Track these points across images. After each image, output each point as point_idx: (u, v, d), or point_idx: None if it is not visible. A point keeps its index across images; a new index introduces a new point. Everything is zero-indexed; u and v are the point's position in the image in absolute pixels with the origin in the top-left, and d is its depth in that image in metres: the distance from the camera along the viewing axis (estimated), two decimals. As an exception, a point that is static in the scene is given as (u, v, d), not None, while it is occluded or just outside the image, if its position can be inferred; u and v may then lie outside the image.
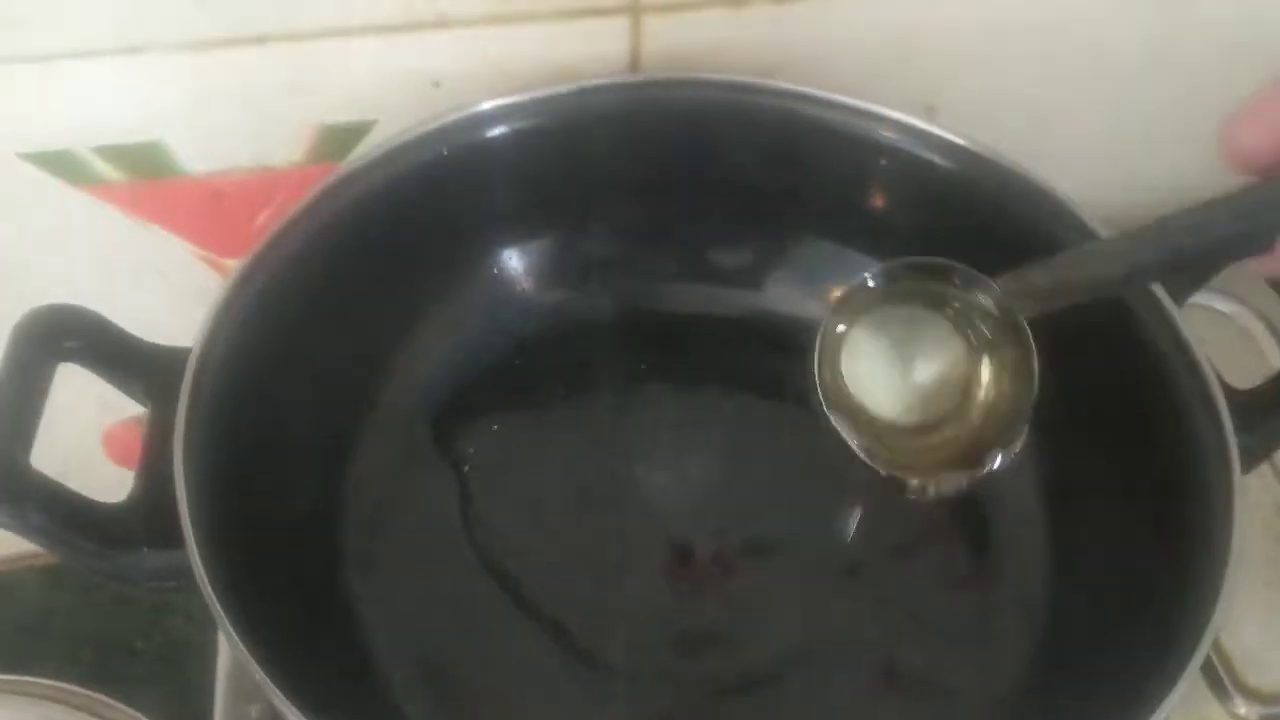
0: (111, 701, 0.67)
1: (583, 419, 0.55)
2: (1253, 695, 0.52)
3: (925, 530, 0.53)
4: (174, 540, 0.40)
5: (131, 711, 0.66)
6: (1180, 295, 0.48)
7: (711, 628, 0.50)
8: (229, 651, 0.52)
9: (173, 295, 0.58)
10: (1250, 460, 0.45)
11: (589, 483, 0.54)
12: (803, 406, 0.55)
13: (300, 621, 0.44)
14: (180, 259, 0.58)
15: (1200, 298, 0.57)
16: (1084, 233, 0.49)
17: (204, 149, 0.55)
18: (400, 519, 0.51)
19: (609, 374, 0.56)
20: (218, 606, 0.38)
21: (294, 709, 0.37)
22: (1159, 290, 0.47)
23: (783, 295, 0.58)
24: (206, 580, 0.38)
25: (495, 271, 0.56)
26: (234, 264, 0.48)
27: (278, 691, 0.37)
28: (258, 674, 0.37)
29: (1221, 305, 0.63)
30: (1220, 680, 0.52)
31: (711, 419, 0.56)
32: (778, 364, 0.58)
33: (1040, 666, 0.48)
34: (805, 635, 0.50)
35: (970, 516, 0.53)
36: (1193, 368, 0.46)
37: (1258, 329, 0.63)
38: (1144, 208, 0.46)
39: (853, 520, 0.53)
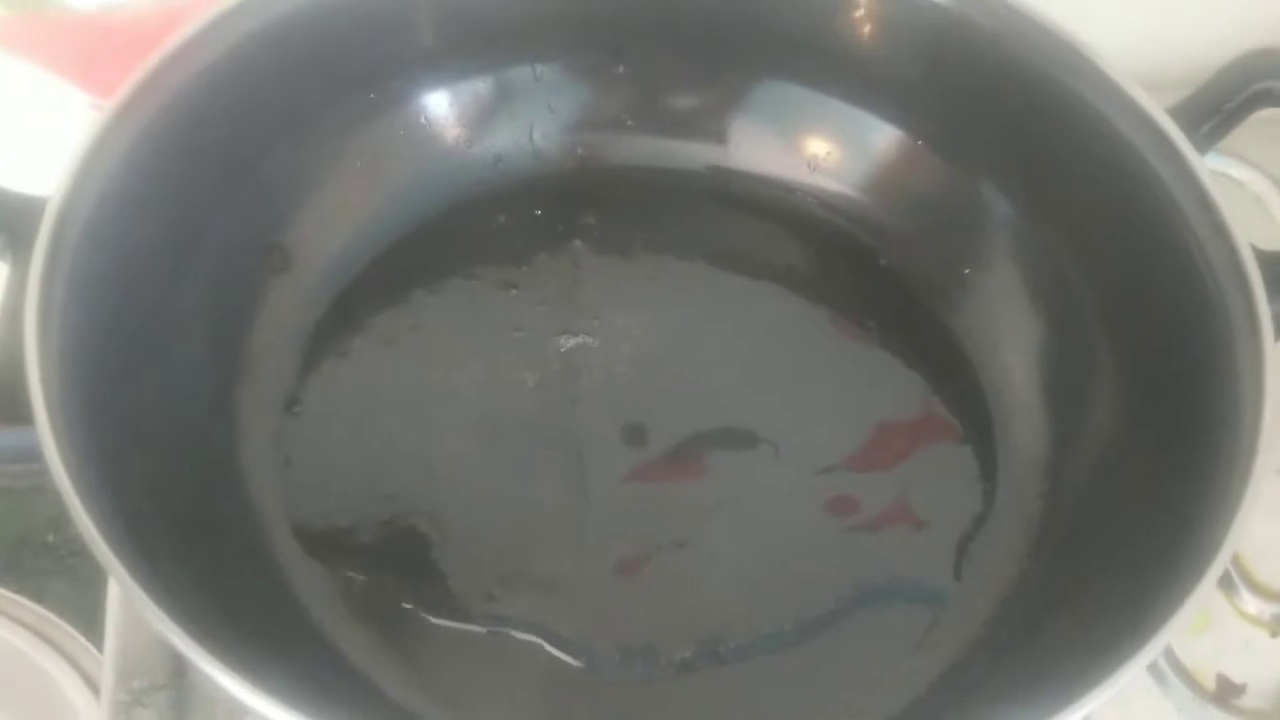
0: (17, 598, 0.62)
1: (522, 289, 0.49)
2: (1262, 591, 0.48)
3: (918, 422, 0.48)
4: (26, 414, 0.34)
5: (39, 609, 0.62)
6: (1204, 144, 0.43)
7: (668, 529, 0.44)
8: None
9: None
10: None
11: (527, 362, 0.48)
12: (767, 276, 0.50)
13: (182, 514, 0.38)
14: (68, 105, 0.51)
15: (1214, 163, 0.52)
16: (1103, 85, 0.44)
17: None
18: (309, 398, 0.46)
19: (552, 238, 0.50)
20: (71, 493, 0.32)
21: (165, 619, 0.31)
22: (1184, 145, 0.42)
23: (747, 147, 0.51)
24: (57, 458, 0.33)
25: (421, 119, 0.49)
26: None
27: (144, 596, 0.31)
28: (113, 568, 0.31)
29: (1236, 172, 0.58)
30: (1228, 575, 0.48)
31: (668, 291, 0.50)
32: (741, 227, 0.52)
33: (1044, 568, 0.44)
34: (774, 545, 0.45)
35: (969, 403, 0.48)
36: (1219, 229, 0.41)
37: (1273, 197, 0.58)
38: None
39: (830, 410, 0.48)
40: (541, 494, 0.45)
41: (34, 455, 0.34)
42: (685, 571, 0.44)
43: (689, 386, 0.48)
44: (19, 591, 0.62)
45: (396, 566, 0.43)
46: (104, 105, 0.41)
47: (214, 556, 0.38)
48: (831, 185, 0.51)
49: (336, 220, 0.48)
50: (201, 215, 0.43)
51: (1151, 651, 0.34)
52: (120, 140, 0.40)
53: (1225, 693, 0.46)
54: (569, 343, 0.48)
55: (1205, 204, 0.41)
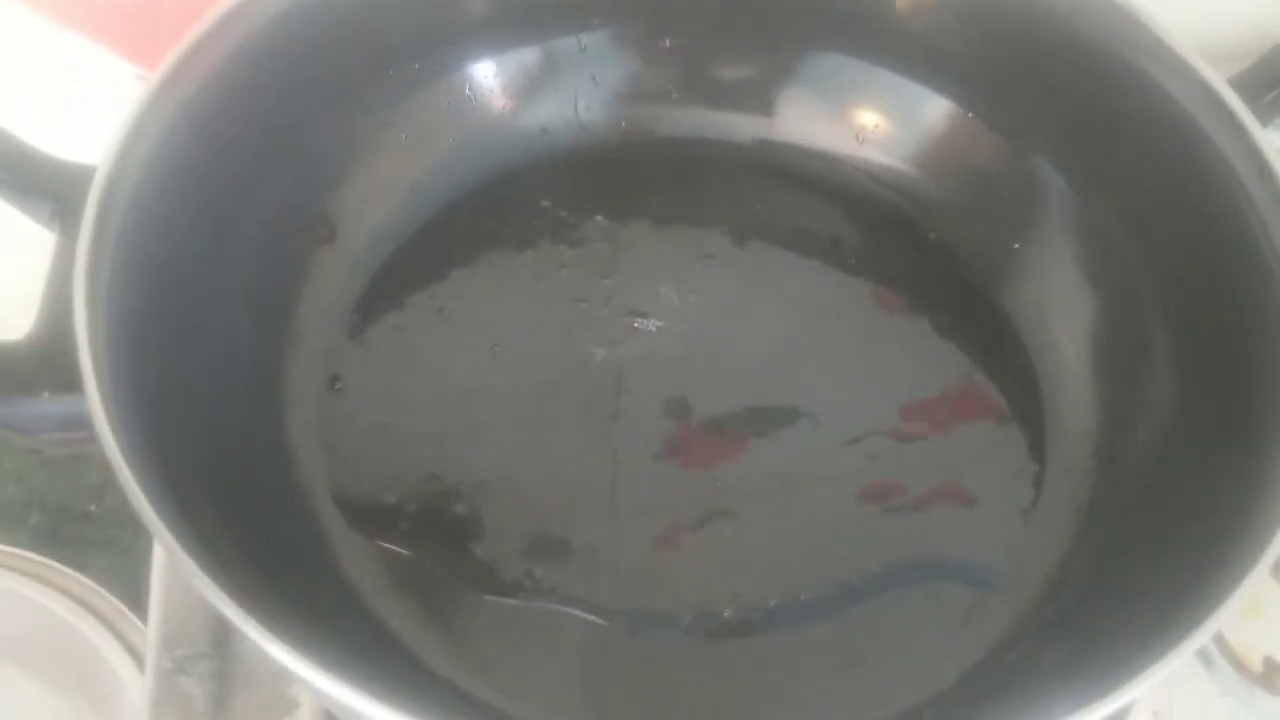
0: (61, 567, 0.62)
1: (565, 262, 0.49)
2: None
3: (967, 399, 0.47)
4: (76, 383, 0.34)
5: (82, 578, 0.62)
6: (1267, 115, 0.42)
7: (713, 511, 0.44)
8: None
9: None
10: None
11: (570, 335, 0.47)
12: (814, 250, 0.50)
13: (227, 483, 0.38)
14: (112, 76, 0.51)
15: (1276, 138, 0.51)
16: (1161, 55, 0.43)
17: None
18: (353, 371, 0.45)
19: (596, 210, 0.50)
20: (120, 460, 0.32)
21: (210, 584, 0.31)
22: (1245, 115, 0.41)
23: (795, 120, 0.51)
24: (105, 425, 0.33)
25: (466, 91, 0.49)
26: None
27: (191, 562, 0.31)
28: (159, 533, 0.31)
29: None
30: (1279, 560, 0.47)
31: (713, 265, 0.49)
32: (788, 200, 0.51)
33: (1093, 549, 0.43)
34: (817, 519, 0.44)
35: (1018, 381, 0.47)
36: (1278, 199, 0.40)
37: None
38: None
39: (876, 385, 0.47)
40: (583, 467, 0.45)
41: (84, 423, 0.34)
42: (727, 543, 0.43)
43: (733, 361, 0.47)
44: (61, 561, 0.62)
45: (438, 540, 0.43)
46: (150, 76, 0.41)
47: (258, 526, 0.38)
48: (880, 158, 0.50)
49: (381, 191, 0.48)
50: (246, 185, 0.43)
51: (1202, 637, 0.34)
52: (165, 111, 0.40)
53: (1272, 675, 0.45)
54: (612, 316, 0.48)
55: (1266, 175, 0.40)
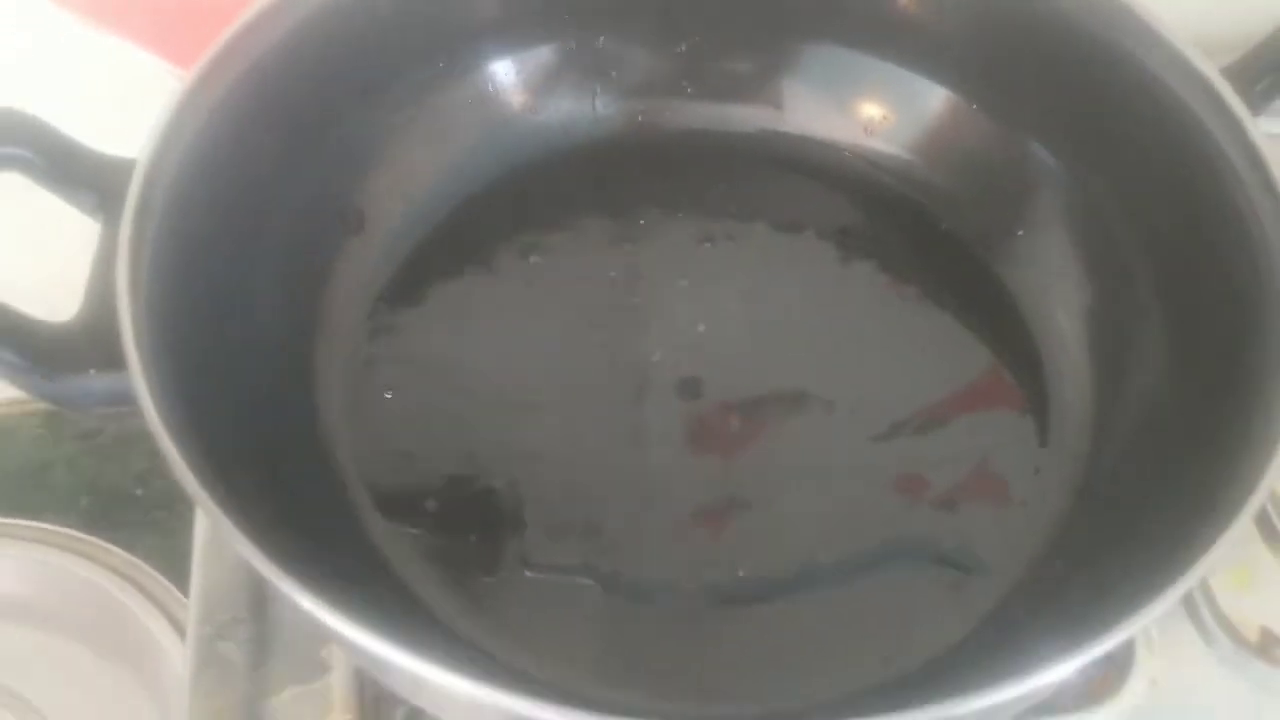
0: (109, 546, 0.65)
1: (583, 252, 0.51)
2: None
3: (977, 385, 0.49)
4: (120, 361, 0.36)
5: (129, 556, 0.65)
6: (1259, 104, 0.43)
7: (727, 494, 0.45)
8: None
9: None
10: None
11: (590, 325, 0.49)
12: (825, 240, 0.52)
13: (265, 460, 0.40)
14: (149, 76, 0.53)
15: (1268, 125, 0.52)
16: (1156, 45, 0.44)
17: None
18: (381, 358, 0.47)
19: (613, 202, 0.52)
20: (163, 432, 0.34)
21: (249, 544, 0.33)
22: (1236, 103, 0.42)
23: (803, 112, 0.53)
24: (149, 401, 0.35)
25: (489, 88, 0.51)
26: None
27: (229, 523, 0.33)
28: (201, 500, 0.33)
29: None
30: (1274, 530, 0.48)
31: (730, 253, 0.51)
32: (798, 191, 0.53)
33: (1086, 517, 0.45)
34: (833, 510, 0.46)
35: (1025, 365, 0.49)
36: (1269, 187, 0.41)
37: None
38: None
39: (889, 373, 0.49)
40: (606, 453, 0.46)
41: (127, 398, 0.36)
42: (743, 524, 0.45)
43: (749, 349, 0.49)
44: (110, 541, 0.65)
45: (462, 519, 0.45)
46: (184, 74, 0.43)
47: (293, 497, 0.40)
48: (887, 149, 0.52)
49: (408, 184, 0.50)
50: (278, 178, 0.45)
51: (1188, 581, 0.35)
52: (201, 107, 0.42)
53: (1268, 644, 0.47)
54: (633, 306, 0.49)
55: (1257, 162, 0.41)
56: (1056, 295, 0.49)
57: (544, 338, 0.49)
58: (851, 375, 0.48)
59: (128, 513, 0.68)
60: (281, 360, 0.45)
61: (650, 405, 0.47)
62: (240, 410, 0.40)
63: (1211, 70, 0.43)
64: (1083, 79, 0.47)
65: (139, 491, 0.69)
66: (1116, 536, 0.42)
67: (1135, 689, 0.45)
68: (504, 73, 0.51)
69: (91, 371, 0.38)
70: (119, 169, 0.41)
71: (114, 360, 0.36)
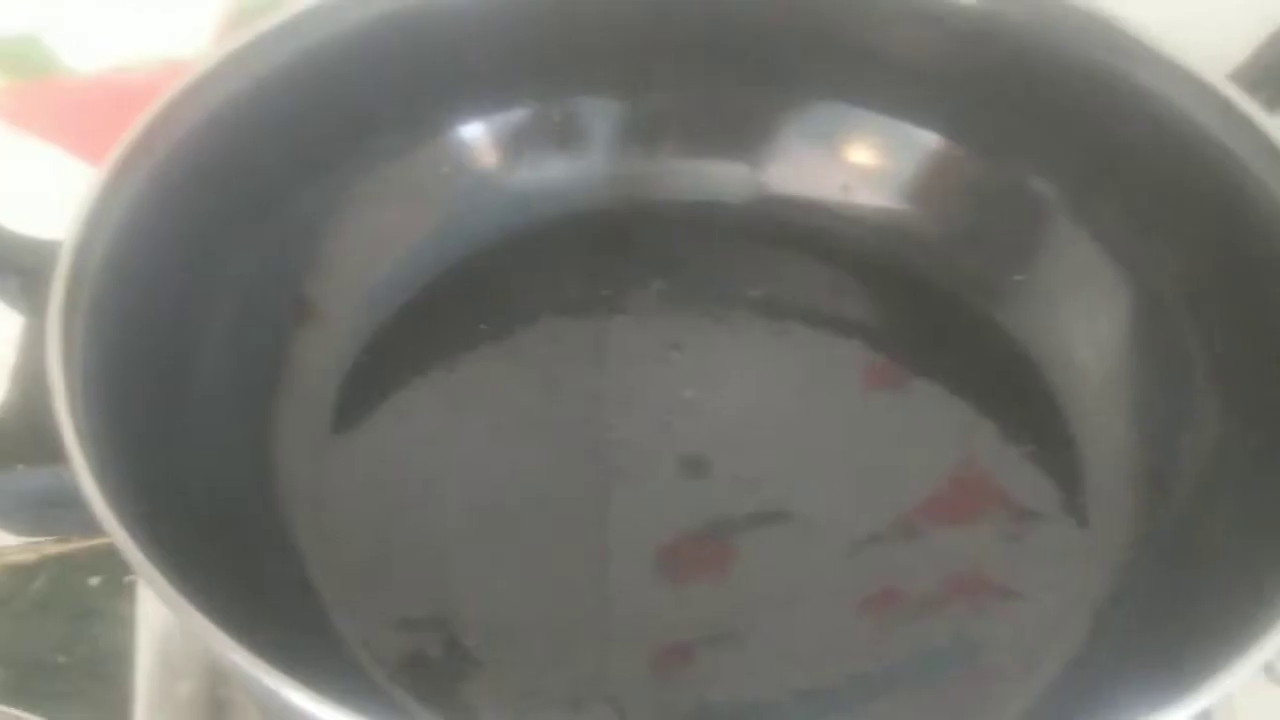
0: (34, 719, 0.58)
1: (558, 335, 0.48)
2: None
3: (988, 462, 0.44)
4: (57, 454, 0.32)
5: (55, 730, 0.58)
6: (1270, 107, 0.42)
7: (706, 618, 0.41)
8: (148, 619, 0.45)
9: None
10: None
11: (565, 415, 0.46)
12: (818, 311, 0.49)
13: (225, 547, 0.36)
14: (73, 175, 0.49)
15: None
16: (1146, 57, 0.43)
17: (92, 43, 0.47)
18: (349, 439, 0.44)
19: (589, 279, 0.49)
20: (114, 521, 0.30)
21: (226, 638, 0.28)
22: (1245, 103, 0.41)
23: (786, 168, 0.50)
24: (95, 488, 0.30)
25: (451, 161, 0.48)
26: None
27: (201, 618, 0.28)
28: (172, 599, 0.28)
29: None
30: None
31: (711, 333, 0.48)
32: (781, 260, 0.50)
33: (1144, 577, 0.41)
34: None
35: (1044, 421, 0.45)
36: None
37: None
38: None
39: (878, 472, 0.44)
40: (574, 560, 0.42)
41: (64, 499, 0.32)
42: (725, 666, 0.40)
43: (724, 452, 0.44)
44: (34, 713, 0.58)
45: (424, 639, 0.40)
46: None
47: (258, 597, 0.35)
48: (875, 200, 0.49)
49: (363, 263, 0.46)
50: (219, 260, 0.42)
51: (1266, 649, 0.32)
52: (128, 185, 0.38)
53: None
54: (607, 392, 0.46)
55: (1275, 155, 0.39)
56: (1076, 335, 0.46)
57: (512, 431, 0.45)
58: (840, 483, 0.44)
59: (51, 684, 0.61)
60: (240, 453, 0.41)
61: (616, 527, 0.43)
62: (193, 500, 0.36)
63: (1214, 75, 0.42)
64: (1077, 103, 0.45)
65: (61, 659, 0.62)
66: (1178, 594, 0.39)
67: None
68: (467, 144, 0.48)
69: (20, 468, 0.33)
70: (41, 251, 0.37)
71: (46, 454, 0.32)
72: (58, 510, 0.33)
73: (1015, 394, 0.46)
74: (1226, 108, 0.41)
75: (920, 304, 0.49)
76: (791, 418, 0.46)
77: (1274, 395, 0.39)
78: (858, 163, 0.49)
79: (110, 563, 0.49)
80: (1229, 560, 0.38)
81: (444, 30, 0.45)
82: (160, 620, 0.44)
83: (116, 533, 0.30)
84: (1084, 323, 0.46)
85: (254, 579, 0.35)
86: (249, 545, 0.38)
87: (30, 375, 0.34)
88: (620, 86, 0.49)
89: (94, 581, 0.52)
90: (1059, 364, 0.46)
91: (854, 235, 0.50)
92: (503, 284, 0.48)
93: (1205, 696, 0.30)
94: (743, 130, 0.50)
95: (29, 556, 0.51)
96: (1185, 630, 0.36)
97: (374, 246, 0.46)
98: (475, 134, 0.48)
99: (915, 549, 0.42)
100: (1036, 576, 0.41)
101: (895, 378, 0.47)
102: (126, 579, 0.49)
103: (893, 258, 0.49)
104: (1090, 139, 0.45)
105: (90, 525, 0.31)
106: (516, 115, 0.48)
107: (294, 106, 0.43)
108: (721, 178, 0.50)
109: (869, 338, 0.48)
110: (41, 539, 0.49)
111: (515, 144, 0.49)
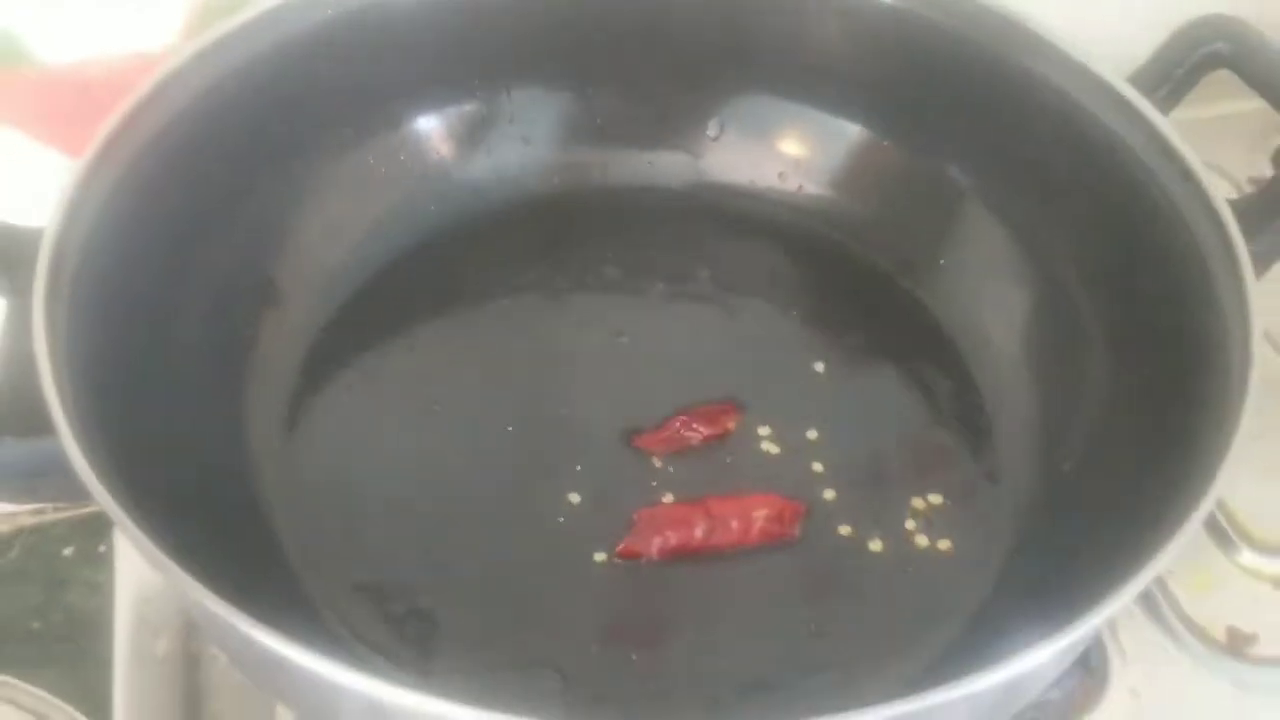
0: (16, 682, 0.60)
1: (507, 315, 0.50)
2: (1261, 547, 0.48)
3: (923, 428, 0.48)
4: (42, 427, 0.34)
5: (34, 690, 0.60)
6: (1162, 108, 0.45)
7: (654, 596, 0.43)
8: (126, 582, 0.47)
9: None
10: (1259, 267, 0.41)
11: (518, 391, 0.48)
12: (751, 291, 0.51)
13: (200, 512, 0.38)
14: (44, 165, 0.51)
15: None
16: (1067, 65, 0.46)
17: (63, 35, 0.49)
18: (313, 415, 0.46)
19: (537, 262, 0.51)
20: (99, 487, 0.32)
21: (204, 590, 0.31)
22: (1142, 103, 0.44)
23: (722, 157, 0.53)
24: (83, 458, 0.32)
25: (405, 152, 0.50)
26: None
27: (179, 571, 0.31)
28: (153, 556, 0.31)
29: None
30: (1227, 535, 0.48)
31: (652, 312, 0.51)
32: (722, 241, 0.53)
33: (1042, 527, 0.44)
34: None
35: (964, 393, 0.48)
36: (1186, 174, 0.42)
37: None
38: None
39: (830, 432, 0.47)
40: (525, 531, 0.44)
41: (50, 467, 0.34)
42: (670, 643, 0.42)
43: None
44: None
45: (387, 609, 0.42)
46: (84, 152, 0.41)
47: (230, 560, 0.37)
48: (806, 188, 0.52)
49: (325, 249, 0.48)
50: (191, 248, 0.44)
51: (1146, 576, 0.34)
52: (106, 177, 0.40)
53: (1237, 642, 0.46)
54: (555, 369, 0.48)
55: (1169, 154, 0.43)
56: (988, 313, 0.49)
57: (466, 409, 0.47)
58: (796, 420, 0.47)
59: (25, 649, 0.63)
60: (212, 434, 0.43)
61: (568, 509, 0.44)
62: (169, 468, 0.38)
63: (1115, 77, 0.45)
64: (988, 98, 0.48)
65: (36, 625, 0.64)
66: (1073, 543, 0.42)
67: (1116, 699, 0.45)
68: (419, 136, 0.50)
69: (8, 439, 0.35)
70: (20, 237, 0.39)
71: (33, 427, 0.34)
72: (44, 479, 0.35)
73: (934, 364, 0.49)
74: (1123, 104, 0.44)
75: (851, 284, 0.52)
76: (729, 391, 0.48)
77: (1159, 360, 0.42)
78: (790, 153, 0.52)
79: (83, 533, 0.52)
80: (1116, 508, 0.41)
81: (400, 29, 0.48)
82: (137, 582, 0.46)
83: (100, 494, 0.32)
84: (995, 300, 0.49)
85: (226, 545, 0.37)
86: (222, 513, 0.40)
87: (15, 356, 0.36)
88: (566, 81, 0.51)
89: (67, 552, 0.52)
90: (973, 337, 0.49)
91: (789, 220, 0.53)
92: (458, 266, 0.50)
93: (1091, 622, 0.33)
94: (682, 121, 0.52)
95: (4, 528, 0.52)
96: (1075, 571, 0.39)
97: (335, 232, 0.48)
98: (430, 126, 0.51)
99: (843, 509, 0.45)
100: (953, 532, 0.44)
101: (827, 351, 0.50)
102: (99, 549, 0.51)
103: (826, 241, 0.52)
104: (1000, 132, 0.48)
105: (74, 492, 0.33)
106: (469, 108, 0.51)
107: (259, 101, 0.45)
108: (664, 166, 0.53)
109: (804, 314, 0.51)
110: (17, 509, 0.50)
111: (468, 135, 0.51)
